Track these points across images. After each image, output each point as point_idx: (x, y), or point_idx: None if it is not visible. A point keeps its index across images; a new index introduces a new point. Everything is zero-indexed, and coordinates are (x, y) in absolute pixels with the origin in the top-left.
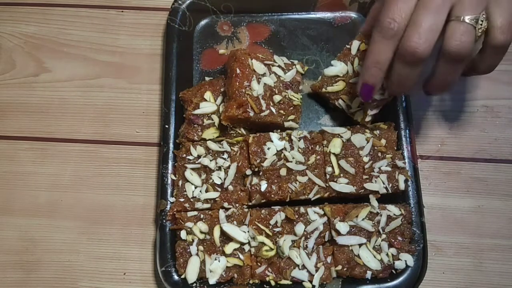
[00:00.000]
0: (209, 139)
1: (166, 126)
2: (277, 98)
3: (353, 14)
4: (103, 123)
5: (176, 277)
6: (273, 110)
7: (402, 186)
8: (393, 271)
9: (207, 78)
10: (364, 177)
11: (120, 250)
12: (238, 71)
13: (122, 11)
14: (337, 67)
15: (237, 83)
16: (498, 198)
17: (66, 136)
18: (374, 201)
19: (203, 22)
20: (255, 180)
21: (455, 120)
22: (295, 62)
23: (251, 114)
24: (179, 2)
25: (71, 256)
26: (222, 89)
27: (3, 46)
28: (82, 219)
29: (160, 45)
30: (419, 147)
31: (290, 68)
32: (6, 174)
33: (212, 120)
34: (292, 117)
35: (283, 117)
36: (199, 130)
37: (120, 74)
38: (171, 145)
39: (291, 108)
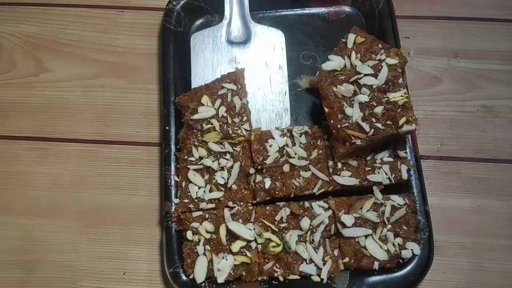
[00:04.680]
0: (211, 142)
1: (167, 127)
2: (378, 110)
3: (346, 8)
4: (103, 123)
5: (184, 278)
6: (379, 125)
7: (405, 175)
8: (400, 260)
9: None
10: (367, 168)
11: (120, 250)
12: (326, 110)
13: (122, 11)
14: (335, 62)
15: (332, 121)
16: (498, 198)
17: (66, 136)
18: (377, 193)
19: (198, 22)
20: (258, 177)
21: (455, 120)
22: (382, 57)
23: (359, 143)
24: (174, 3)
25: (71, 256)
26: (219, 92)
27: (3, 46)
28: (83, 219)
29: (159, 46)
30: (419, 147)
31: (380, 67)
32: (6, 174)
33: (212, 124)
34: (403, 119)
35: (394, 126)
36: (198, 135)
37: (120, 74)
38: (173, 147)
39: (399, 110)
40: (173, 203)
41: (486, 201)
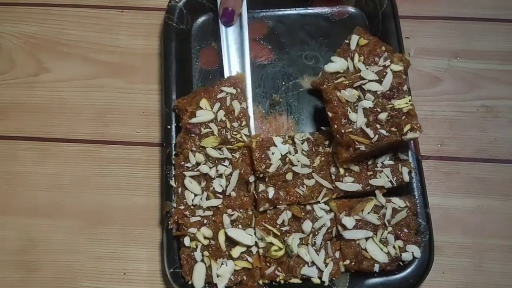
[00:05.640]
0: (209, 147)
1: (168, 126)
2: (382, 116)
3: (350, 9)
4: (102, 123)
5: None
6: (383, 132)
7: (406, 178)
8: (401, 263)
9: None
10: (369, 173)
11: (120, 250)
12: (330, 114)
13: (122, 11)
14: (338, 63)
15: (335, 126)
16: (498, 198)
17: (66, 136)
18: (380, 197)
19: (200, 20)
20: (261, 187)
21: (455, 120)
22: (387, 63)
23: (362, 148)
24: (176, 0)
25: (71, 256)
26: (218, 96)
27: (3, 46)
28: (82, 219)
29: (160, 45)
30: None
31: (384, 73)
32: (6, 174)
33: (210, 128)
34: (408, 127)
35: (398, 133)
36: (196, 139)
37: (120, 74)
38: (174, 146)
39: (404, 117)
40: (173, 204)
41: (486, 201)
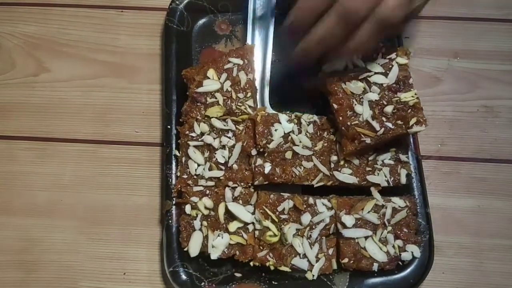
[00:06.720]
0: (213, 117)
1: (168, 126)
2: (388, 109)
3: None
4: (102, 123)
5: (184, 277)
6: (389, 124)
7: (403, 180)
8: (400, 263)
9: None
10: (367, 169)
11: (120, 250)
12: (335, 106)
13: (122, 11)
14: (336, 63)
15: (340, 117)
16: (498, 198)
17: (65, 136)
18: (376, 194)
19: (201, 22)
20: (259, 161)
21: (455, 120)
22: (392, 56)
23: (368, 141)
24: (177, 2)
25: (71, 256)
26: (225, 67)
27: (3, 46)
28: (82, 219)
29: (160, 45)
30: (419, 147)
31: (390, 66)
32: (5, 174)
33: (216, 98)
34: (414, 120)
35: (404, 126)
36: (202, 108)
37: (120, 74)
38: (174, 146)
39: (410, 110)
40: (173, 203)
41: (486, 201)
